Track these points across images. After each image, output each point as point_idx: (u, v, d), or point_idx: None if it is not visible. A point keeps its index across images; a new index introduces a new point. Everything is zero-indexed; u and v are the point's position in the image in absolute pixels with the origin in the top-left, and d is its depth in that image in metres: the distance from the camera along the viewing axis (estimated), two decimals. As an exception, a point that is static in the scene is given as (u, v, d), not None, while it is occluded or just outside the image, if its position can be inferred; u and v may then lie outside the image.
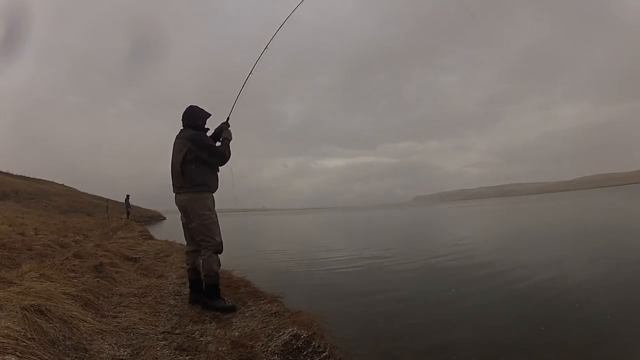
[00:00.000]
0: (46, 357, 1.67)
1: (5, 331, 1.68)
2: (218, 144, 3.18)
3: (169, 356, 2.14)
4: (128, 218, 21.07)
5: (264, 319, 2.78)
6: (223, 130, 3.21)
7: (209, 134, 3.19)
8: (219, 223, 3.09)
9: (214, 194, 3.12)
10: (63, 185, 35.58)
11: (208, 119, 3.19)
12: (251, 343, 2.34)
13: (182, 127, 3.13)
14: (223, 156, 3.09)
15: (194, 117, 3.12)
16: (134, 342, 2.29)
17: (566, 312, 4.06)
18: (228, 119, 3.30)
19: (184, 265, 3.33)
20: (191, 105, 3.16)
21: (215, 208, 3.12)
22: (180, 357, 2.14)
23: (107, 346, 2.14)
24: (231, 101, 3.38)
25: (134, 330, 2.48)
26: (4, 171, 30.67)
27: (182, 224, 3.16)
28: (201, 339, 2.43)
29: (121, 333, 2.39)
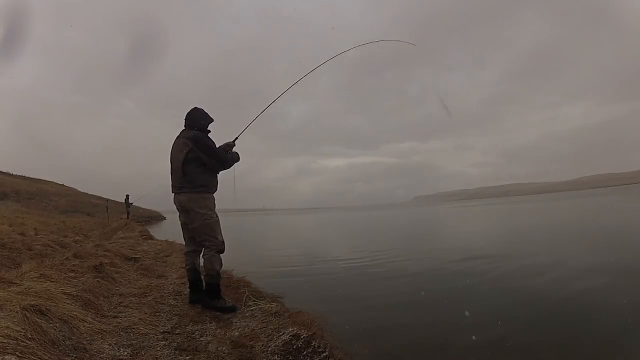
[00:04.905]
0: (46, 357, 1.67)
1: (5, 331, 1.68)
2: None
3: (169, 356, 2.14)
4: (128, 218, 21.06)
5: (264, 319, 2.78)
6: (229, 147, 3.23)
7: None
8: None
9: (214, 195, 3.12)
10: (63, 185, 35.54)
11: (210, 124, 3.20)
12: (251, 343, 2.34)
13: (183, 128, 3.14)
14: (224, 161, 3.09)
15: (197, 119, 3.12)
16: (134, 342, 2.29)
17: (570, 312, 4.06)
18: (236, 139, 3.31)
19: (184, 265, 3.33)
20: (196, 107, 3.17)
21: (216, 208, 3.12)
22: (180, 357, 2.14)
23: (107, 346, 2.14)
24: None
25: (134, 330, 2.48)
26: (4, 171, 30.64)
27: (181, 224, 3.16)
28: (201, 339, 2.43)
29: (121, 333, 2.39)
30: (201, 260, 3.11)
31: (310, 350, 2.24)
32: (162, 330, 2.54)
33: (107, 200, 23.01)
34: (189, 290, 3.27)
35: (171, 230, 11.44)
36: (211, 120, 3.19)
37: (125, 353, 2.11)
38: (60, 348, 1.87)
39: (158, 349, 2.22)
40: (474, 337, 3.48)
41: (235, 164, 3.20)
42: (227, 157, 3.12)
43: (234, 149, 3.28)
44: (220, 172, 3.14)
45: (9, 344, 1.61)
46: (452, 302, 4.75)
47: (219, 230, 3.03)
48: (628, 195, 40.56)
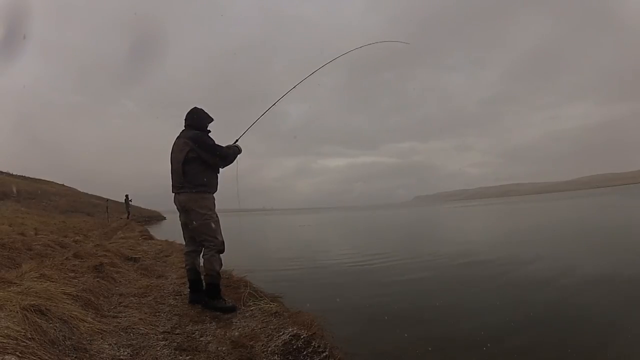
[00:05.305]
0: (46, 357, 1.67)
1: (5, 331, 1.68)
2: None
3: (169, 356, 2.14)
4: (128, 218, 21.06)
5: (264, 319, 2.78)
6: (230, 149, 3.19)
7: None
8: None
9: (214, 195, 3.12)
10: (63, 185, 35.53)
11: (210, 124, 3.20)
12: (251, 343, 2.34)
13: (183, 128, 3.14)
14: (226, 156, 3.08)
15: (197, 119, 3.13)
16: (134, 342, 2.29)
17: (570, 311, 4.06)
18: (237, 141, 3.29)
19: (184, 265, 3.33)
20: (196, 107, 3.17)
21: (216, 208, 3.12)
22: (180, 357, 2.14)
23: (107, 346, 2.14)
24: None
25: (134, 330, 2.48)
26: (4, 171, 30.62)
27: (181, 224, 3.16)
28: (201, 339, 2.43)
29: (121, 333, 2.39)
30: (201, 260, 3.12)
31: (310, 350, 2.24)
32: (162, 330, 2.54)
33: (107, 200, 23.01)
34: (189, 290, 3.27)
35: (171, 230, 11.45)
36: (211, 119, 3.19)
37: (125, 353, 2.11)
38: (60, 348, 1.87)
39: (158, 349, 2.22)
40: (474, 338, 3.48)
41: (239, 156, 3.19)
42: (229, 152, 3.12)
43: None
44: (223, 169, 3.14)
45: (9, 344, 1.61)
46: (452, 303, 4.75)
47: (219, 231, 3.03)
48: (628, 195, 40.53)
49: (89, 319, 2.37)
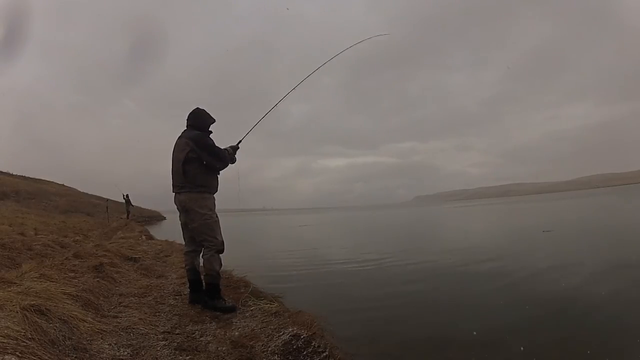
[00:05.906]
0: (46, 357, 1.67)
1: (5, 331, 1.68)
2: None
3: (169, 356, 2.14)
4: (128, 218, 21.05)
5: (264, 319, 2.78)
6: (233, 149, 3.24)
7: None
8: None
9: (214, 195, 3.13)
10: (63, 185, 35.53)
11: (212, 125, 3.21)
12: (251, 343, 2.34)
13: (185, 128, 3.15)
14: (223, 160, 3.09)
15: (199, 119, 3.14)
16: (134, 342, 2.29)
17: (570, 311, 4.05)
18: (240, 142, 3.32)
19: (184, 265, 3.33)
20: (198, 108, 3.18)
21: (217, 208, 3.13)
22: (180, 357, 2.14)
23: (107, 346, 2.14)
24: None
25: (134, 330, 2.48)
26: (4, 171, 30.60)
27: (181, 223, 3.17)
28: (201, 339, 2.43)
29: (121, 333, 2.39)
30: (201, 260, 3.12)
31: (310, 350, 2.24)
32: (162, 330, 2.54)
33: (107, 200, 22.99)
34: (189, 290, 3.27)
35: (171, 230, 11.45)
36: (213, 120, 3.20)
37: (125, 353, 2.11)
38: (60, 348, 1.87)
39: (158, 349, 2.22)
40: (475, 337, 3.47)
41: (233, 164, 3.21)
42: (227, 155, 3.13)
43: (238, 152, 3.30)
44: (220, 172, 3.15)
45: (9, 344, 1.61)
46: (452, 304, 4.74)
47: (218, 231, 3.04)
48: (629, 195, 40.49)
49: (89, 319, 2.38)
